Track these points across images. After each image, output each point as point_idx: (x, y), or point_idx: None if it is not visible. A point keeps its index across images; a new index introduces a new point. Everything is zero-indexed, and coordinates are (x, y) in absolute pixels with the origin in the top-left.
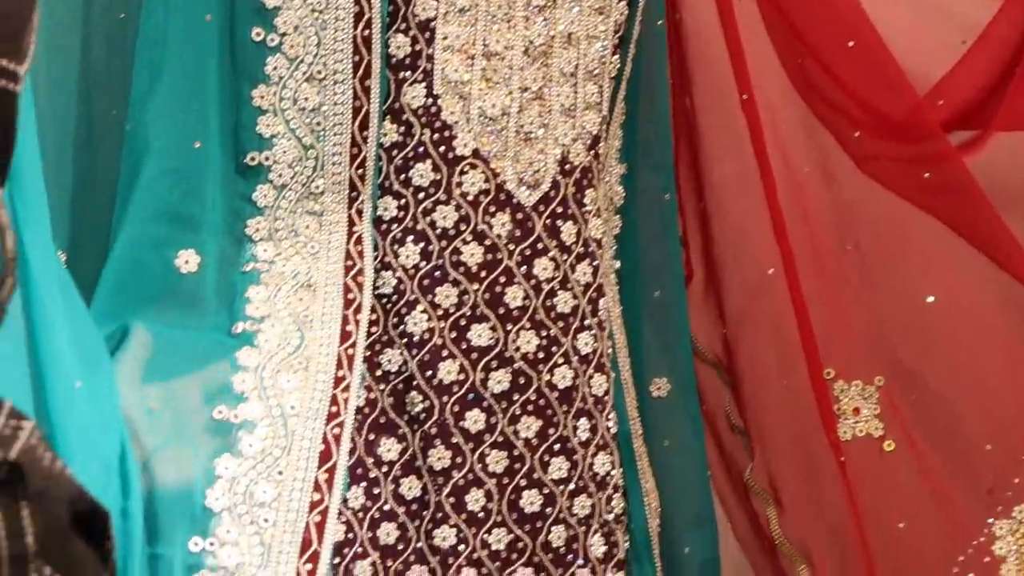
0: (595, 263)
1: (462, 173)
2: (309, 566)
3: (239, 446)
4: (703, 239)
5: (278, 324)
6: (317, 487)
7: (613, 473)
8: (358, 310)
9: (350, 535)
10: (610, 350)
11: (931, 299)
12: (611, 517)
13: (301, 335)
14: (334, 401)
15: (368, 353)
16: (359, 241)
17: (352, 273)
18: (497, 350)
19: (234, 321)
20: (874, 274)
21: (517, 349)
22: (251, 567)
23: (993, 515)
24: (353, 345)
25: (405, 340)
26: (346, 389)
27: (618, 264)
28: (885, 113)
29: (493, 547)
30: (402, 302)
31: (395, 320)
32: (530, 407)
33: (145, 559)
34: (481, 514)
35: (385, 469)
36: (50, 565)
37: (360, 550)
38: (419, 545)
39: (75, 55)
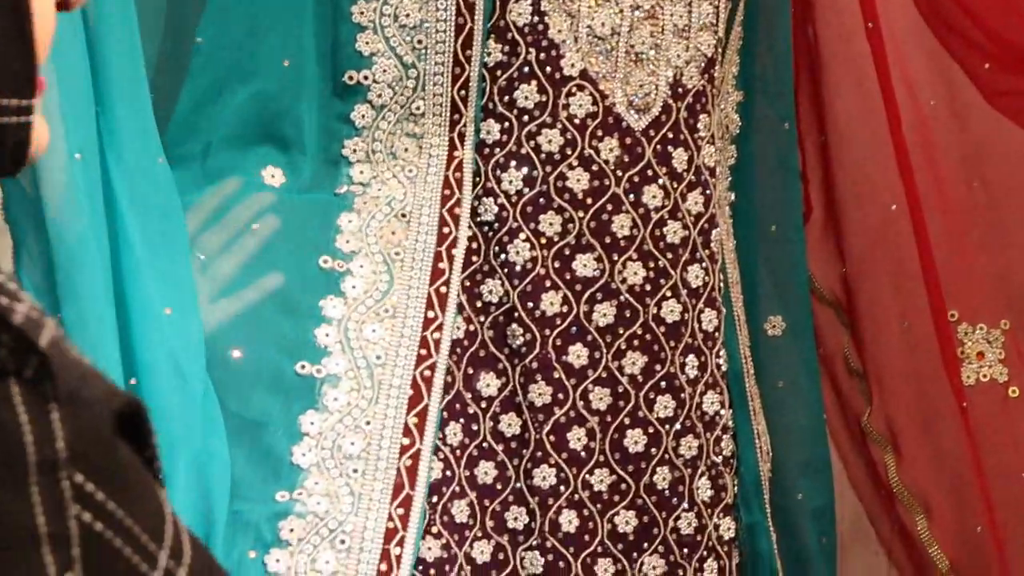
0: (707, 192)
1: (569, 95)
2: (401, 511)
3: (323, 401)
4: (823, 174)
5: (367, 263)
6: (407, 431)
7: (723, 413)
8: (453, 244)
9: (448, 473)
10: (722, 284)
11: None
12: (719, 459)
13: (390, 276)
14: (423, 343)
15: (468, 284)
16: (459, 168)
17: (449, 204)
18: (602, 281)
19: (321, 253)
20: (1001, 213)
21: (623, 281)
22: (341, 513)
23: None
24: (447, 283)
25: (506, 270)
26: (438, 329)
27: (733, 196)
28: (1019, 45)
29: (595, 488)
30: (504, 230)
31: (496, 249)
32: (636, 342)
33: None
34: (583, 453)
35: (484, 405)
36: (83, 472)
37: (458, 489)
38: (518, 485)
39: None
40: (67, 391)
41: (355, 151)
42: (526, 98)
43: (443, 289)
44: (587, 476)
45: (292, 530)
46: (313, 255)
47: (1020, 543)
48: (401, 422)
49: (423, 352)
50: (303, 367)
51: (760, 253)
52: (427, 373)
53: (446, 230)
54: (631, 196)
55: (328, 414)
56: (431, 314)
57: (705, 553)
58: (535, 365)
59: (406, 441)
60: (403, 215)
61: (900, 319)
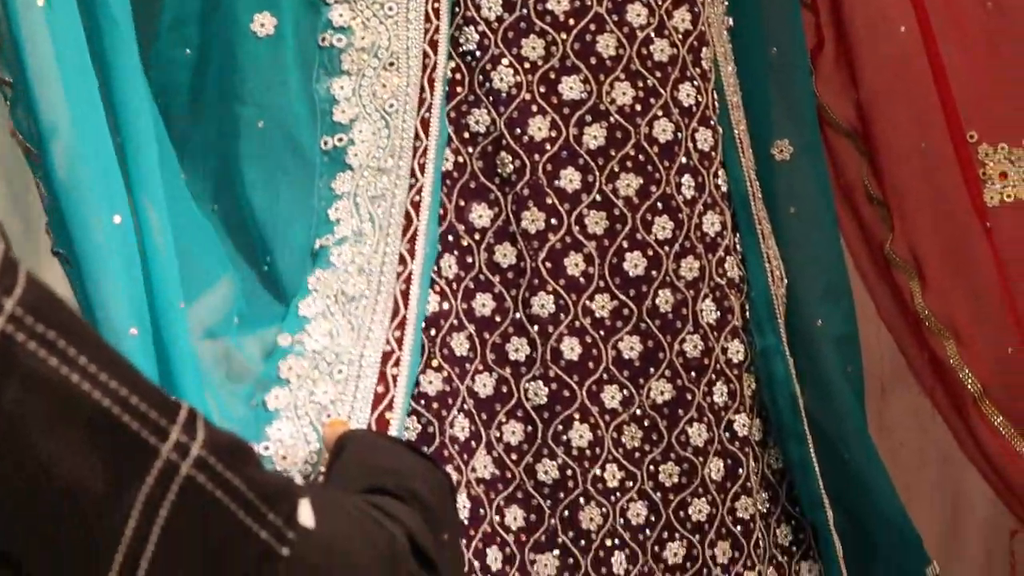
0: (695, 9)
1: None
2: (398, 333)
3: (331, 259)
4: (832, 5)
5: (367, 125)
6: (401, 259)
7: (724, 234)
8: (433, 69)
9: (445, 305)
10: (717, 105)
11: None
12: (724, 281)
13: (388, 127)
14: (412, 173)
15: (454, 115)
16: None
17: (429, 34)
18: (590, 103)
19: (322, 134)
20: (1016, 32)
21: (612, 101)
22: (339, 347)
23: None
24: (429, 109)
25: (491, 98)
26: (423, 154)
27: (731, 21)
28: None
29: (596, 314)
30: (486, 58)
31: (480, 78)
32: (628, 163)
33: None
34: (581, 279)
35: (477, 237)
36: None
37: (456, 322)
38: (517, 315)
39: None
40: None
41: None
42: None
43: (427, 115)
44: (587, 302)
45: (291, 368)
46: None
47: None
48: (396, 251)
49: (412, 181)
50: (318, 243)
51: (761, 77)
52: (416, 198)
53: (427, 60)
54: (614, 16)
55: (334, 269)
56: (418, 142)
57: (714, 376)
58: (527, 192)
59: (400, 268)
60: (392, 63)
61: (918, 144)
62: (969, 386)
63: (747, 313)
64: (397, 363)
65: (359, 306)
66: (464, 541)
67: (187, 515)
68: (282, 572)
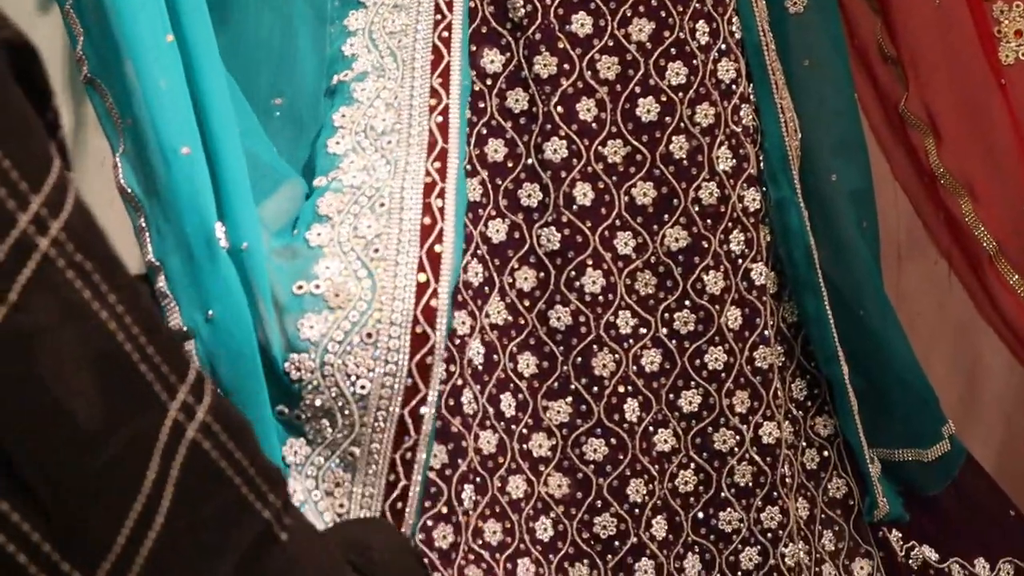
0: None
1: None
2: (438, 164)
3: (355, 95)
4: None
5: None
6: (434, 93)
7: (739, 82)
8: None
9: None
10: None
11: None
12: (739, 129)
13: None
14: (437, 9)
15: None
16: None
17: None
18: None
19: None
20: None
21: None
22: (378, 181)
23: None
24: None
25: None
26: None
27: None
28: None
29: (609, 160)
30: None
31: None
32: (641, 7)
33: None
34: (594, 124)
35: (489, 82)
36: None
37: (468, 168)
38: (529, 161)
39: None
40: None
41: None
42: None
43: None
44: (600, 148)
45: (331, 204)
46: None
47: None
48: (427, 85)
49: (438, 17)
50: (335, 78)
51: None
52: (445, 34)
53: None
54: None
55: (358, 104)
56: None
57: (730, 224)
58: (538, 36)
59: (433, 102)
60: None
61: (932, 1)
62: (985, 244)
63: (761, 164)
64: (442, 194)
65: (391, 140)
66: (479, 388)
67: (195, 479)
68: (277, 557)
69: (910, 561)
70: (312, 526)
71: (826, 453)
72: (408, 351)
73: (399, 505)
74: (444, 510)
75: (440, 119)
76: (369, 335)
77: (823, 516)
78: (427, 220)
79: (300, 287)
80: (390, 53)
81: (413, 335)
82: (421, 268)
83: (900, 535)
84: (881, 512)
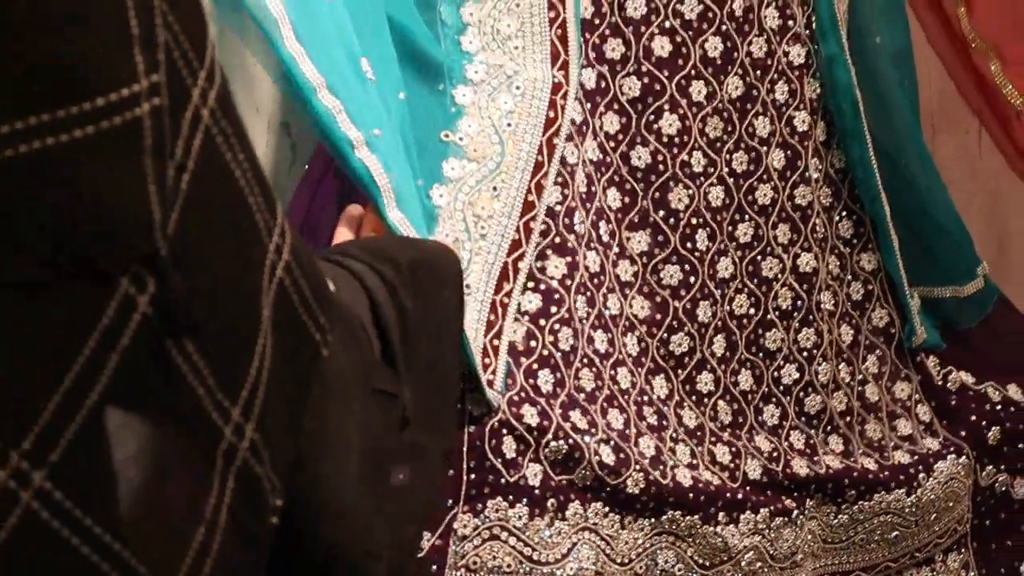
0: None
1: None
2: (562, 72)
3: None
4: None
5: None
6: (551, 6)
7: None
8: None
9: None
10: None
11: None
12: None
13: None
14: None
15: None
16: None
17: None
18: None
19: None
20: None
21: None
22: (511, 70)
23: None
24: None
25: None
26: None
27: None
28: None
29: (685, 16)
30: None
31: None
32: None
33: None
34: None
35: None
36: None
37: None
38: (613, 19)
39: None
40: None
41: None
42: None
43: None
44: (677, 5)
45: (476, 72)
46: None
47: None
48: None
49: None
50: None
51: None
52: None
53: None
54: None
55: (483, 2)
56: None
57: (776, 76)
58: None
59: (552, 14)
60: None
61: None
62: (1013, 101)
63: (812, 23)
64: (565, 96)
65: (517, 45)
66: (584, 214)
67: (279, 313)
68: (317, 372)
69: (948, 384)
70: (340, 322)
71: (870, 286)
72: (520, 208)
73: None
74: (565, 315)
75: (559, 32)
76: (495, 189)
77: (867, 342)
78: (551, 114)
79: (447, 135)
80: None
81: (525, 202)
82: (539, 151)
83: (937, 361)
84: (919, 339)
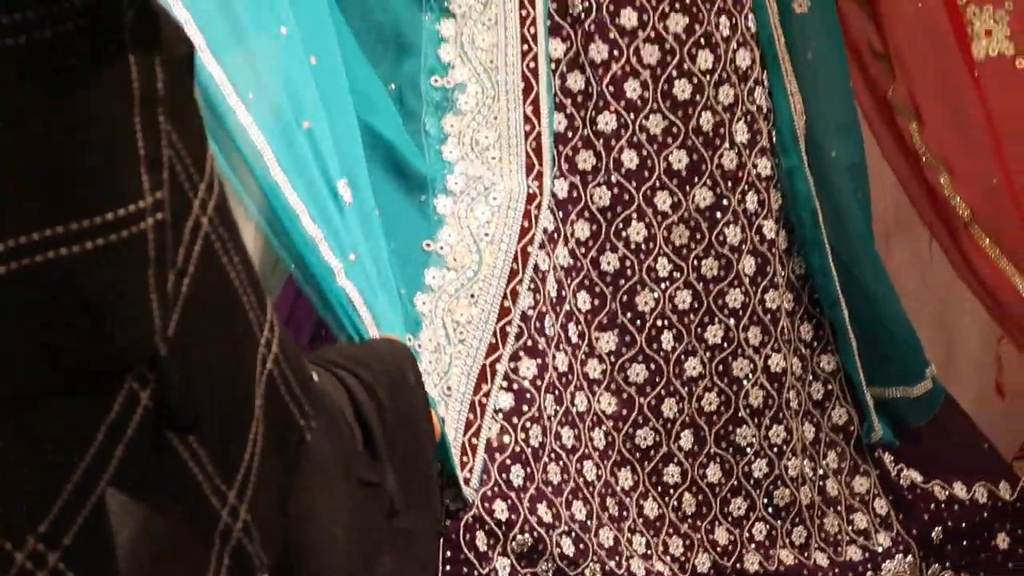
0: None
1: None
2: (536, 183)
3: (458, 105)
4: None
5: None
6: (527, 119)
7: (754, 67)
8: None
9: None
10: None
11: None
12: (754, 108)
13: None
14: (524, 40)
15: None
16: None
17: None
18: None
19: None
20: None
21: None
22: (489, 181)
23: None
24: None
25: None
26: (532, 24)
27: None
28: None
29: (651, 131)
30: None
31: None
32: (677, 5)
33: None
34: (639, 101)
35: (553, 66)
36: (170, 117)
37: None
38: (585, 132)
39: None
40: (168, 45)
41: None
42: None
43: None
44: (643, 121)
45: (456, 183)
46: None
47: None
48: (520, 112)
49: (524, 48)
50: (436, 80)
51: None
52: (532, 65)
53: None
54: None
55: (463, 115)
56: (524, 12)
57: (746, 187)
58: (593, 28)
59: (527, 127)
60: None
61: (915, 4)
62: (961, 212)
63: (774, 139)
64: (539, 206)
65: (494, 156)
66: (554, 317)
67: (268, 402)
68: (303, 456)
69: (900, 480)
70: (324, 413)
71: (830, 386)
72: (497, 314)
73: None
74: (536, 413)
75: (534, 144)
76: (473, 296)
77: (827, 439)
78: (525, 223)
79: (428, 244)
80: (484, 71)
81: (501, 308)
82: (515, 259)
83: (892, 458)
84: (876, 435)
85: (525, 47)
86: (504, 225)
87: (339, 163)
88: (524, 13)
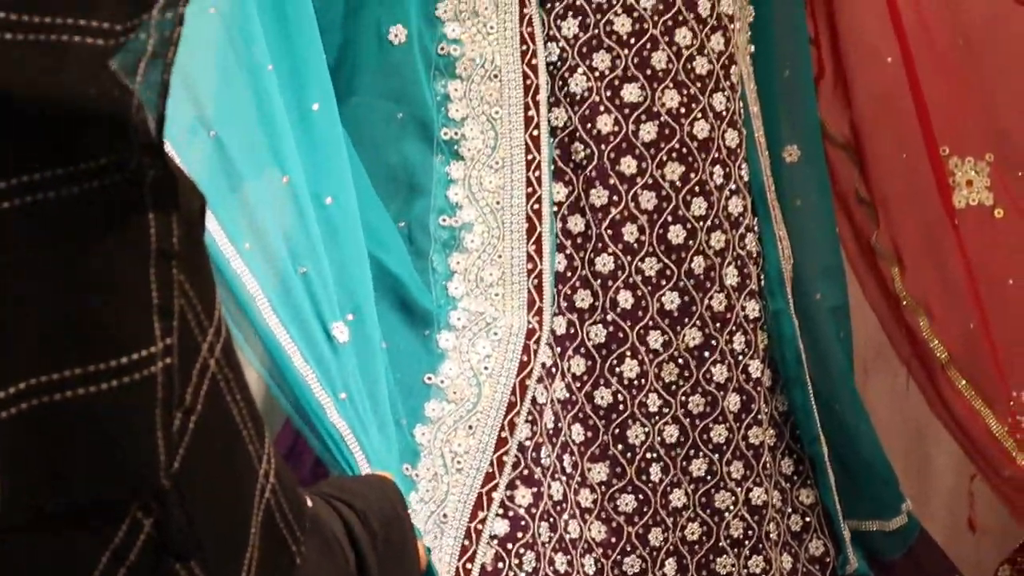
0: (727, 35)
1: None
2: (536, 318)
3: (465, 244)
4: (831, 39)
5: (475, 124)
6: (530, 258)
7: (746, 215)
8: (536, 92)
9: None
10: (743, 111)
11: None
12: (744, 252)
13: (495, 132)
14: (529, 183)
15: None
16: (530, 23)
17: (527, 58)
18: (645, 105)
19: (440, 126)
20: (983, 64)
21: (663, 105)
22: (491, 317)
23: None
24: (537, 126)
25: (568, 99)
26: (538, 167)
27: (752, 48)
28: None
29: (646, 273)
30: (564, 67)
31: (560, 83)
32: (674, 154)
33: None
34: (635, 244)
35: (555, 209)
36: (184, 271)
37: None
38: (583, 272)
39: None
40: (184, 200)
41: (446, 11)
42: None
43: (535, 132)
44: (639, 263)
45: (459, 319)
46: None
47: (1005, 336)
48: (524, 251)
49: (530, 190)
50: (444, 220)
51: (777, 93)
52: (536, 206)
53: (528, 81)
54: (666, 36)
55: (469, 253)
56: (530, 156)
57: (734, 328)
58: (594, 174)
59: (530, 266)
60: (495, 75)
61: (900, 155)
62: (938, 355)
63: (762, 282)
64: (537, 341)
65: (498, 293)
66: (550, 448)
67: (264, 529)
68: None
69: None
70: (317, 535)
71: (808, 519)
72: (494, 444)
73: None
74: (530, 540)
75: (536, 282)
76: (471, 427)
77: (804, 570)
78: (524, 358)
79: (429, 378)
80: (490, 211)
81: (498, 439)
82: (513, 392)
83: None
84: (851, 567)
85: (530, 190)
86: (504, 359)
87: (343, 300)
88: (530, 158)
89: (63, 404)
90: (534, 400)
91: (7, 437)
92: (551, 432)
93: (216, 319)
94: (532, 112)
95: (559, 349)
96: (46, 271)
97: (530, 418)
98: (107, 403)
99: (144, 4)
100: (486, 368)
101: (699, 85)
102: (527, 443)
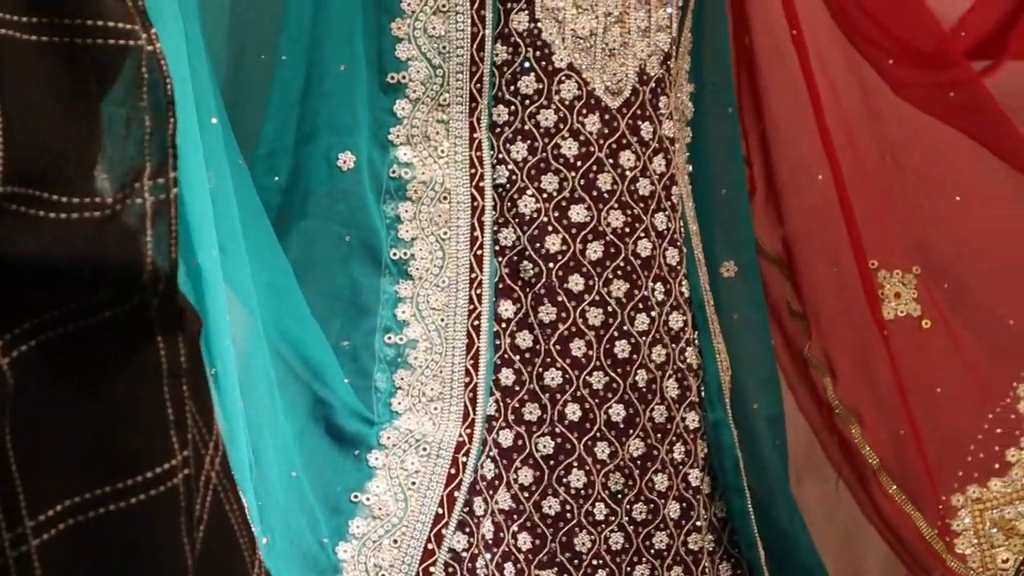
0: (668, 157)
1: (560, 83)
2: (468, 430)
3: (409, 361)
4: (764, 158)
5: (424, 244)
6: (467, 372)
7: (686, 330)
8: (482, 212)
9: None
10: (683, 230)
11: (958, 199)
12: (684, 366)
13: (443, 252)
14: (471, 300)
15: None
16: (479, 147)
17: (475, 180)
18: (592, 225)
19: (390, 246)
20: (908, 180)
21: (608, 224)
22: (423, 432)
23: (1017, 380)
24: (481, 246)
25: (517, 220)
26: (479, 286)
27: (691, 168)
28: (916, 46)
29: (594, 386)
30: (514, 189)
31: (508, 204)
32: (619, 272)
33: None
34: (583, 359)
35: (504, 325)
36: (189, 389)
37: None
38: (532, 386)
39: (225, 10)
40: (188, 324)
41: (398, 136)
42: (527, 87)
43: (479, 251)
44: (587, 377)
45: (389, 437)
46: (379, 219)
47: (935, 443)
48: (463, 365)
49: (471, 307)
50: (390, 338)
51: (714, 212)
52: (476, 323)
53: (475, 203)
54: (611, 160)
55: (413, 369)
56: (473, 275)
57: (674, 439)
58: (543, 292)
59: (467, 379)
60: (445, 198)
61: (831, 269)
62: (870, 460)
63: (702, 393)
64: (467, 454)
65: (437, 407)
66: (489, 556)
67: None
68: None
69: None
70: None
71: None
72: (419, 557)
73: None
74: None
75: (471, 395)
76: (395, 541)
77: None
78: (453, 471)
79: (356, 496)
80: (435, 329)
81: (424, 551)
82: (441, 504)
83: None
84: None
85: (472, 307)
86: (432, 474)
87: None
88: (473, 276)
89: (96, 521)
90: (471, 511)
91: (47, 558)
92: (490, 542)
93: (215, 434)
94: (477, 232)
95: (505, 461)
96: (72, 399)
97: (467, 529)
98: (139, 516)
99: (129, 179)
100: (413, 483)
101: (642, 206)
102: (463, 554)
